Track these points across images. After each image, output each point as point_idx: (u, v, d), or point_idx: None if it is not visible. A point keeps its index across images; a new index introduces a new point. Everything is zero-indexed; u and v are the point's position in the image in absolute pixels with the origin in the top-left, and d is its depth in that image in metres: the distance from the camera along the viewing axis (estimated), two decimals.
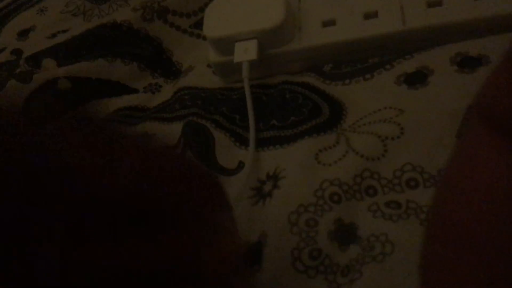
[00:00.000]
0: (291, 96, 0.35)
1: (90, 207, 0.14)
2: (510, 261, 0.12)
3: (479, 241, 0.12)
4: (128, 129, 0.38)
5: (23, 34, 0.49)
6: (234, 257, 0.18)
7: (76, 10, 0.49)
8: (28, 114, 0.38)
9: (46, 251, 0.13)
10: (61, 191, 0.14)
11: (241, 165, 0.32)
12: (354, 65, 0.36)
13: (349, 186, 0.28)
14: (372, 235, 0.26)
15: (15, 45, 0.47)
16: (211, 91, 0.39)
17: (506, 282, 0.12)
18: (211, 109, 0.37)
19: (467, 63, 0.32)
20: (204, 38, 0.46)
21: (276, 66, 0.39)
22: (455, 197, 0.14)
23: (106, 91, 0.42)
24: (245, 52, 0.36)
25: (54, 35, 0.47)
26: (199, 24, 0.46)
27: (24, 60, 0.44)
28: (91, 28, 0.45)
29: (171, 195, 0.16)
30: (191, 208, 0.17)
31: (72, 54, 0.44)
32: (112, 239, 0.14)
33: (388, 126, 0.30)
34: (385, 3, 0.37)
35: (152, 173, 0.16)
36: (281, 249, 0.27)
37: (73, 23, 0.48)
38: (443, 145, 0.28)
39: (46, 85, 0.41)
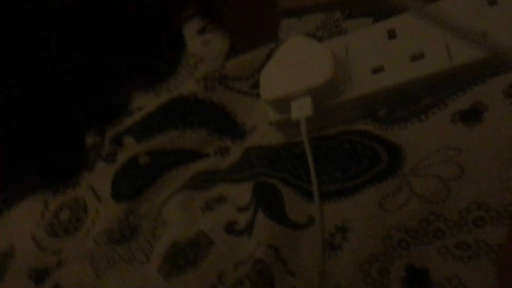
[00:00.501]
0: (351, 147, 0.37)
1: None
2: None
3: None
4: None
5: None
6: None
7: None
8: (118, 190, 0.43)
9: None
10: None
11: (310, 219, 0.34)
12: (408, 107, 0.37)
13: (416, 231, 0.29)
14: (444, 278, 0.27)
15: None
16: (275, 149, 0.42)
17: None
18: (277, 166, 0.39)
19: None
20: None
21: (332, 117, 0.41)
22: None
23: (181, 159, 0.46)
24: (301, 109, 0.39)
25: (130, 112, 0.52)
26: (257, 84, 0.49)
27: (108, 141, 0.49)
28: (161, 104, 0.50)
29: None
30: None
31: (148, 130, 0.48)
32: None
33: (449, 166, 0.31)
34: (430, 43, 0.38)
35: None
36: None
37: (145, 100, 0.53)
38: (506, 181, 0.28)
39: (129, 163, 0.45)
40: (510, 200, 0.27)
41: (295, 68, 0.40)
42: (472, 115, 0.33)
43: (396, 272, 0.28)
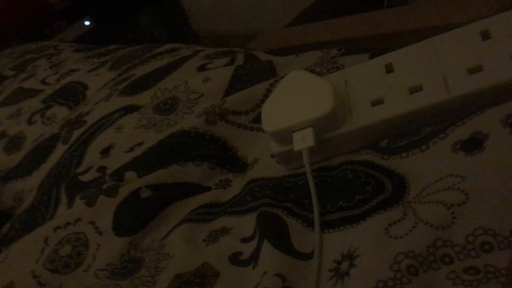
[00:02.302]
0: (353, 176, 0.37)
1: None
2: None
3: None
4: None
5: (105, 152, 0.55)
6: None
7: (148, 124, 0.55)
8: (119, 224, 0.43)
9: None
10: None
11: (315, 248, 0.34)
12: (409, 138, 0.38)
13: (424, 257, 0.29)
14: None
15: (99, 163, 0.53)
16: (278, 180, 0.42)
17: None
18: (281, 197, 0.39)
19: None
20: (264, 130, 0.50)
21: (334, 148, 0.41)
22: None
23: (182, 193, 0.46)
24: (303, 140, 0.39)
25: (131, 149, 0.53)
26: (257, 119, 0.50)
27: (109, 176, 0.49)
28: (162, 138, 0.50)
29: None
30: None
31: (150, 164, 0.48)
32: None
33: (452, 193, 0.31)
34: (427, 76, 0.39)
35: None
36: None
37: (146, 136, 0.54)
38: (511, 207, 0.29)
39: (130, 196, 0.45)
40: None
41: (296, 100, 0.41)
42: (472, 144, 0.34)
43: None
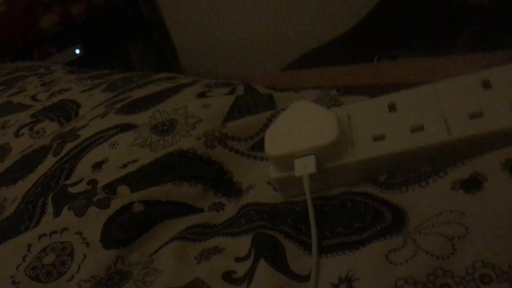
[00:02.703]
0: (352, 205, 0.38)
1: None
2: None
3: None
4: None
5: (97, 166, 0.54)
6: None
7: (144, 143, 0.55)
8: (108, 237, 0.42)
9: None
10: None
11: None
12: (408, 174, 0.39)
13: (423, 284, 0.29)
14: None
15: (90, 176, 0.52)
16: (274, 206, 0.42)
17: None
18: (277, 221, 0.39)
19: None
20: (261, 159, 0.50)
21: (333, 179, 0.42)
22: None
23: (175, 211, 0.46)
24: (305, 167, 0.40)
25: (125, 165, 0.52)
26: (256, 147, 0.51)
27: (101, 188, 0.48)
28: (159, 156, 0.50)
29: None
30: None
31: (144, 180, 0.48)
32: None
33: (453, 227, 0.32)
34: (430, 117, 0.41)
35: None
36: None
37: (141, 154, 0.53)
38: (510, 243, 0.29)
39: (122, 210, 0.45)
40: None
41: (301, 128, 0.42)
42: (472, 184, 0.35)
43: None
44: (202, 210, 0.47)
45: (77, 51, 2.60)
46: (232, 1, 2.11)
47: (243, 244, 0.39)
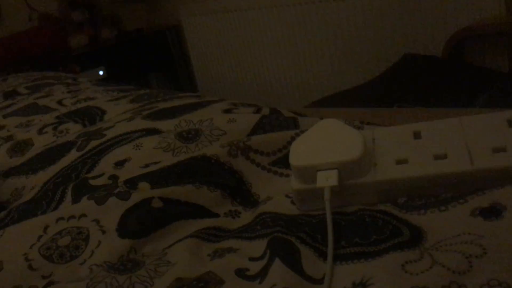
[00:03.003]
0: (371, 220, 0.38)
1: None
2: None
3: None
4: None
5: (120, 164, 0.55)
6: None
7: (167, 147, 0.56)
8: (124, 227, 0.42)
9: None
10: None
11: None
12: (428, 198, 0.40)
13: None
14: None
15: (112, 172, 0.53)
16: (291, 216, 0.43)
17: None
18: (293, 229, 0.40)
19: None
20: (281, 175, 0.51)
21: (353, 197, 0.42)
22: None
23: (192, 212, 0.46)
24: (327, 179, 0.41)
25: (147, 165, 0.53)
26: (277, 162, 0.52)
27: (122, 183, 0.49)
28: (182, 160, 0.51)
29: None
30: None
31: (165, 180, 0.49)
32: None
33: (471, 246, 0.32)
34: (453, 147, 0.42)
35: None
36: None
37: (164, 157, 0.55)
38: None
39: (142, 203, 0.45)
40: None
41: (326, 143, 0.43)
42: (491, 213, 0.35)
43: None
44: (217, 216, 0.47)
45: (101, 73, 2.67)
46: (258, 43, 2.18)
47: (258, 246, 0.39)
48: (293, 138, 0.52)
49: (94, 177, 0.53)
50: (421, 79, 1.48)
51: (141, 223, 0.44)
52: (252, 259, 0.38)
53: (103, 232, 0.44)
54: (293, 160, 0.43)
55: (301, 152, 0.43)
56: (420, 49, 1.65)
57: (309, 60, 1.99)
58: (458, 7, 1.49)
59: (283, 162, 0.51)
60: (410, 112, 0.88)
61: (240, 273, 0.37)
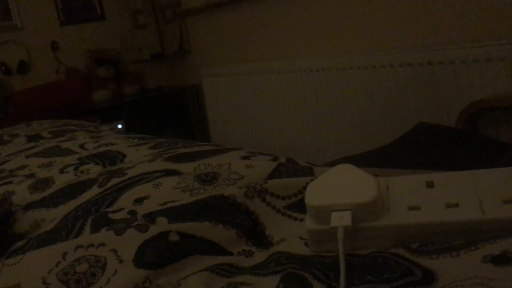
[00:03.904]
0: (384, 260, 0.39)
1: None
2: None
3: None
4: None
5: (139, 201, 0.57)
6: None
7: (186, 188, 0.58)
8: (141, 257, 0.43)
9: None
10: None
11: None
12: (440, 245, 0.40)
13: None
14: None
15: (131, 207, 0.55)
16: (304, 256, 0.43)
17: None
18: (307, 266, 0.41)
19: None
20: (295, 219, 0.52)
21: (365, 240, 0.43)
22: None
23: (207, 249, 0.47)
24: (341, 219, 0.42)
25: (165, 203, 0.55)
26: (292, 206, 0.53)
27: (141, 216, 0.51)
28: (199, 199, 0.53)
29: None
30: None
31: (182, 216, 0.50)
32: None
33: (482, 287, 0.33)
34: (465, 197, 0.43)
35: None
36: None
37: (182, 196, 0.56)
38: None
39: (159, 236, 0.47)
40: None
41: (341, 186, 0.45)
42: (502, 260, 0.36)
43: None
44: (231, 254, 0.48)
45: (119, 126, 2.74)
46: (273, 106, 2.24)
47: (271, 281, 0.40)
48: (308, 183, 0.54)
49: (113, 212, 0.54)
50: (435, 148, 1.50)
51: (157, 255, 0.45)
52: None
53: (120, 261, 0.45)
54: (309, 199, 0.44)
55: (317, 193, 0.45)
56: (434, 119, 1.68)
57: (322, 124, 2.02)
58: (471, 80, 1.53)
59: (298, 206, 0.53)
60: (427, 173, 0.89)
61: None
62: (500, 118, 1.61)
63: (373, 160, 1.48)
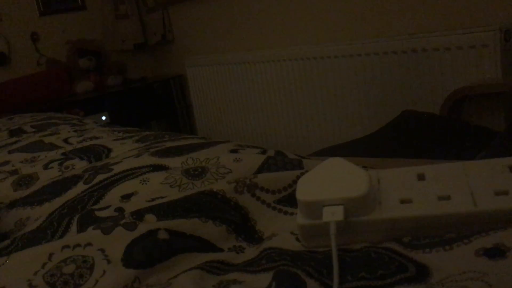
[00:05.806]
0: (377, 256, 0.39)
1: None
2: None
3: None
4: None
5: (126, 197, 0.56)
6: None
7: (174, 183, 0.57)
8: (130, 257, 0.43)
9: None
10: None
11: None
12: (432, 238, 0.40)
13: None
14: None
15: (118, 204, 0.54)
16: (296, 252, 0.43)
17: None
18: (299, 263, 0.40)
19: None
20: (286, 213, 0.52)
21: (358, 235, 0.43)
22: None
23: (197, 246, 0.47)
24: (333, 214, 0.41)
25: (153, 200, 0.54)
26: (282, 200, 0.53)
27: (129, 214, 0.50)
28: (189, 194, 0.52)
29: None
30: None
31: (171, 212, 0.49)
32: None
33: (476, 283, 0.33)
34: (457, 189, 0.43)
35: None
36: None
37: (170, 192, 0.55)
38: None
39: (148, 234, 0.46)
40: None
41: (333, 180, 0.44)
42: (495, 253, 0.36)
43: None
44: (222, 250, 0.47)
45: (103, 118, 2.70)
46: (258, 95, 2.22)
47: (263, 279, 0.40)
48: (298, 177, 0.53)
49: (100, 209, 0.53)
50: (419, 136, 1.51)
51: (146, 254, 0.44)
52: None
53: (108, 261, 0.44)
54: (300, 195, 0.44)
55: (308, 188, 0.44)
56: (419, 107, 1.69)
57: (308, 113, 2.02)
58: (455, 67, 1.54)
59: (289, 200, 0.52)
60: (415, 162, 0.89)
61: None
62: (484, 105, 1.62)
63: (359, 149, 1.48)
